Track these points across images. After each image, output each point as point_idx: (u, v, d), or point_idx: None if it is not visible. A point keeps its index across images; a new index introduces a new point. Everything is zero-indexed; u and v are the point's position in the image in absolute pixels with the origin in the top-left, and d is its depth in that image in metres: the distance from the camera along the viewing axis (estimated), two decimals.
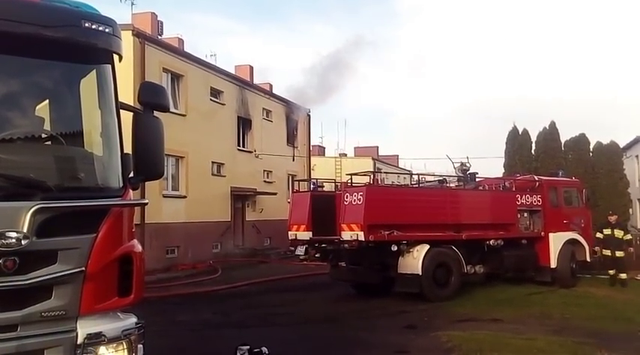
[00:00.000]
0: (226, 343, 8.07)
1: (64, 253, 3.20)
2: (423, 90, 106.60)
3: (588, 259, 15.78)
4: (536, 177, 16.52)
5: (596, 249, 15.97)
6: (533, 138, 24.93)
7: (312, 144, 36.35)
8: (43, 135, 3.69)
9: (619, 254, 15.19)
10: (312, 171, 32.92)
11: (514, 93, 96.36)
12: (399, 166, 52.22)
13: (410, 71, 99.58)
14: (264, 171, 28.10)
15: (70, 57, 3.50)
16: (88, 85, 3.69)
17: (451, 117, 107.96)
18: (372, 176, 14.41)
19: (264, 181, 27.93)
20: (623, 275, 15.06)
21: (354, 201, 12.71)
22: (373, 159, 46.28)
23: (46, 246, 3.14)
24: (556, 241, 15.29)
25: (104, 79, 3.67)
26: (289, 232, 14.59)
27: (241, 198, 25.91)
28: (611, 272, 15.48)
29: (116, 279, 3.48)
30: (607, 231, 15.43)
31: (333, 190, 15.88)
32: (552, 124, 24.74)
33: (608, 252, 15.49)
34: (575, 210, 16.15)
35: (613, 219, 15.71)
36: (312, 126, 34.43)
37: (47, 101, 3.80)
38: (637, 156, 27.61)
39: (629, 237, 15.59)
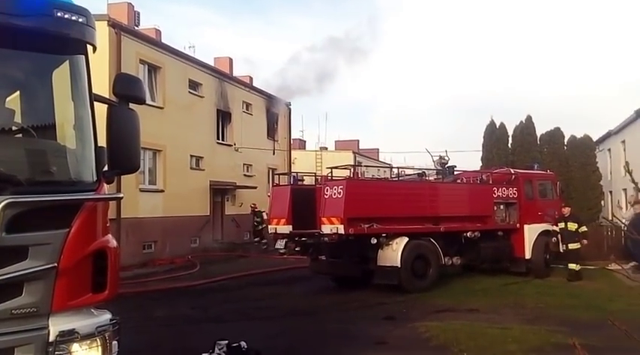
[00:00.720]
0: (205, 338, 8.02)
1: (36, 249, 3.13)
2: (404, 84, 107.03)
3: (561, 250, 16.01)
4: (512, 170, 16.77)
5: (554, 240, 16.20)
6: (510, 132, 25.28)
7: (292, 137, 36.30)
8: (14, 128, 3.60)
9: (572, 246, 15.09)
10: (292, 165, 32.87)
11: (492, 87, 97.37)
12: (380, 160, 52.46)
13: (390, 65, 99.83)
14: (244, 164, 27.94)
15: (41, 47, 3.42)
16: (61, 76, 3.60)
17: (431, 112, 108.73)
18: (352, 169, 14.42)
19: (244, 175, 27.79)
20: (574, 266, 14.88)
21: (334, 194, 12.72)
22: (354, 152, 46.40)
23: (17, 242, 3.06)
24: (531, 233, 15.54)
25: (77, 70, 3.58)
26: (269, 226, 14.55)
27: (221, 192, 25.74)
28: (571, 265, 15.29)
29: (90, 275, 3.40)
30: (561, 225, 15.38)
31: (314, 184, 15.86)
32: (528, 118, 25.11)
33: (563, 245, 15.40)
34: (550, 202, 16.36)
35: (566, 211, 15.66)
36: (293, 120, 34.45)
37: (18, 93, 3.71)
38: (609, 150, 28.11)
39: (584, 229, 15.40)
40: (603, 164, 26.44)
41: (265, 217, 23.74)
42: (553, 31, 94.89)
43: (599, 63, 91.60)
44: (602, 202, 25.55)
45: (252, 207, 25.82)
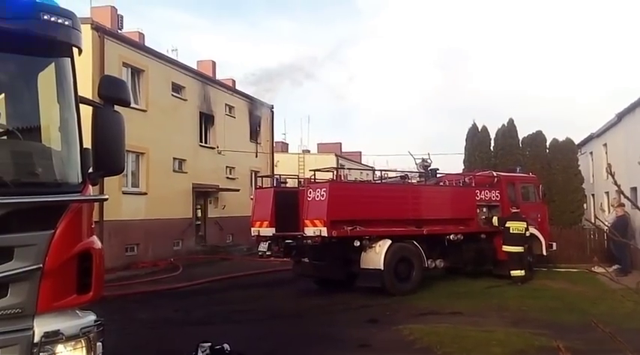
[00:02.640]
0: (188, 340, 8.00)
1: (21, 250, 3.14)
2: (386, 87, 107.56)
3: (544, 253, 16.17)
4: (494, 173, 16.82)
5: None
6: (492, 135, 25.48)
7: (275, 140, 36.25)
8: None
9: (512, 249, 14.68)
10: (275, 168, 32.82)
11: (475, 90, 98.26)
12: (362, 162, 52.63)
13: (371, 67, 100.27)
14: (227, 167, 27.87)
15: (27, 50, 3.43)
16: (47, 78, 3.62)
17: (413, 115, 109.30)
18: (335, 172, 14.47)
19: (227, 177, 27.72)
20: (518, 273, 14.54)
21: (317, 197, 12.76)
22: (336, 155, 46.45)
23: (2, 243, 3.08)
24: None
25: (63, 72, 3.60)
26: (252, 228, 14.54)
27: (203, 195, 25.65)
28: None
29: (75, 276, 3.42)
30: (510, 224, 14.87)
31: (296, 186, 15.89)
32: (510, 121, 25.32)
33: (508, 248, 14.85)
34: (532, 205, 16.47)
35: (513, 210, 15.21)
36: (275, 123, 34.39)
37: (3, 95, 3.71)
38: (591, 153, 28.42)
39: (533, 231, 15.16)
40: (585, 167, 26.72)
41: None
42: (536, 35, 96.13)
43: (582, 66, 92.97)
44: (585, 205, 25.84)
45: None
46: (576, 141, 26.75)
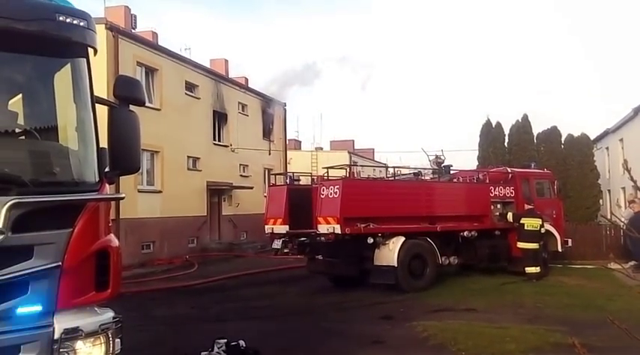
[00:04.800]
0: (204, 337, 8.06)
1: (41, 248, 3.19)
2: (399, 83, 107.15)
3: (560, 249, 16.04)
4: (509, 169, 16.74)
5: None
6: (507, 131, 25.32)
7: (288, 138, 36.31)
8: (17, 130, 3.66)
9: (527, 246, 14.60)
10: (288, 165, 32.89)
11: (488, 85, 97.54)
12: (375, 159, 52.52)
13: (384, 63, 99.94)
14: (241, 165, 27.99)
15: (44, 51, 3.48)
16: (63, 78, 3.66)
17: (427, 111, 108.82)
18: (347, 169, 14.48)
19: (241, 175, 27.82)
20: (533, 269, 14.52)
21: (330, 194, 12.77)
22: (349, 152, 46.43)
23: (22, 241, 3.13)
24: None
25: (79, 72, 3.64)
26: (266, 226, 14.59)
27: (217, 193, 25.78)
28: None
29: (93, 274, 3.47)
30: (525, 221, 14.85)
31: (310, 184, 15.92)
32: (525, 117, 25.16)
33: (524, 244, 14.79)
34: (547, 201, 16.35)
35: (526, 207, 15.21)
36: (288, 120, 34.48)
37: (20, 95, 3.76)
38: (607, 148, 28.14)
39: (548, 228, 15.04)
40: (601, 162, 26.47)
41: None
42: (550, 30, 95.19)
43: (598, 60, 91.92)
44: (601, 201, 25.60)
45: None
46: (592, 137, 26.48)
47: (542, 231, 14.87)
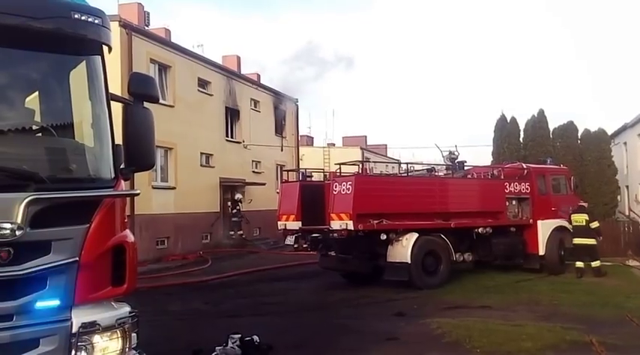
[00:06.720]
0: (218, 332, 8.12)
1: (58, 243, 3.23)
2: (412, 78, 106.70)
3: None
4: (524, 165, 16.58)
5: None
6: (522, 126, 25.09)
7: (300, 134, 36.34)
8: (34, 127, 3.69)
9: (581, 241, 14.77)
10: (300, 161, 32.91)
11: (503, 80, 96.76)
12: (388, 155, 52.36)
13: (397, 59, 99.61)
14: (253, 161, 28.08)
15: (59, 48, 3.50)
16: (78, 76, 3.68)
17: (440, 106, 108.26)
18: (360, 165, 14.45)
19: (253, 172, 27.92)
20: (596, 264, 14.61)
21: (343, 190, 12.76)
22: (361, 148, 46.29)
23: (40, 237, 3.16)
24: (544, 228, 15.36)
25: (94, 70, 3.67)
26: (279, 222, 14.63)
27: (230, 189, 25.89)
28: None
29: (110, 269, 3.50)
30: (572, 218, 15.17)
31: (322, 180, 15.93)
32: (541, 112, 24.89)
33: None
34: (564, 197, 16.17)
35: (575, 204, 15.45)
36: (300, 116, 34.51)
37: (37, 93, 3.79)
38: (625, 143, 27.76)
39: (595, 224, 15.04)
40: (619, 158, 26.11)
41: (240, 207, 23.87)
42: (564, 23, 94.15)
43: (615, 53, 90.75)
44: (619, 197, 25.30)
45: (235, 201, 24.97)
46: (609, 132, 26.15)
47: (592, 226, 14.87)
